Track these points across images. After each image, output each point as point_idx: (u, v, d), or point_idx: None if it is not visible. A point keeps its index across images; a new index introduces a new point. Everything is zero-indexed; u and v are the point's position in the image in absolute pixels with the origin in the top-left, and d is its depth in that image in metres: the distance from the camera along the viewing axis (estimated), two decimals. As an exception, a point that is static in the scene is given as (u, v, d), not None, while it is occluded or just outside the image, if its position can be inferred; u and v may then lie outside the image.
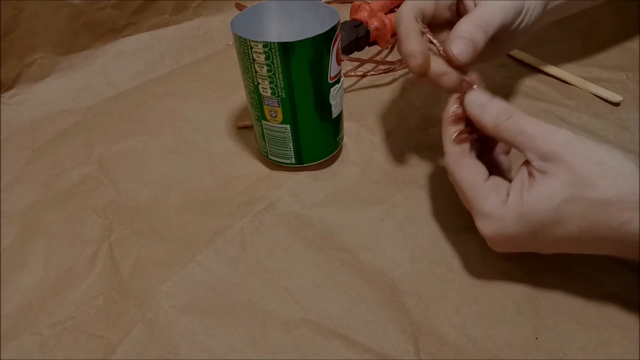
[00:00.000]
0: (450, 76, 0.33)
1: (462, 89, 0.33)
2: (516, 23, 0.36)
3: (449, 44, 0.33)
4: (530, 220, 0.27)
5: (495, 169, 0.33)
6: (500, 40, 0.36)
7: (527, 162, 0.28)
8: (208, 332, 0.30)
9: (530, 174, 0.28)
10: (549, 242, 0.28)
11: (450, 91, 0.34)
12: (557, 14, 0.41)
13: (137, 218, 0.38)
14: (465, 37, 0.32)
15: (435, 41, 0.34)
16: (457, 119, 0.31)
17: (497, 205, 0.28)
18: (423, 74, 0.33)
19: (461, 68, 0.33)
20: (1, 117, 0.50)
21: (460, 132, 0.31)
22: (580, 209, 0.26)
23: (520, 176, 0.29)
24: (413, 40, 0.33)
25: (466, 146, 0.31)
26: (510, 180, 0.30)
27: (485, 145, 0.34)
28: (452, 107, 0.32)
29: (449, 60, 0.33)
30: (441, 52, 0.34)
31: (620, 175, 0.26)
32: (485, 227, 0.29)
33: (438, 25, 0.37)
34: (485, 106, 0.30)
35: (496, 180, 0.30)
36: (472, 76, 0.34)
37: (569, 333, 0.29)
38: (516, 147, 0.29)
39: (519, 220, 0.27)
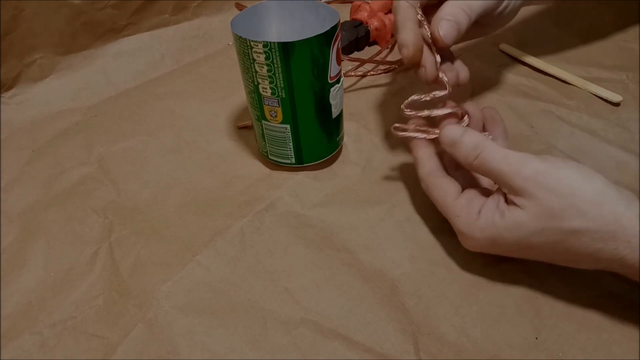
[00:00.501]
0: (429, 70, 0.35)
1: (438, 84, 0.35)
2: (499, 9, 0.37)
3: (435, 26, 0.34)
4: (499, 244, 0.29)
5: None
6: (485, 23, 0.38)
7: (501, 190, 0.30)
8: (208, 332, 0.30)
9: (506, 200, 0.29)
10: (528, 256, 0.30)
11: (426, 83, 0.36)
12: None
13: (137, 218, 0.38)
14: (450, 20, 0.34)
15: (429, 31, 0.35)
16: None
17: (468, 224, 0.30)
18: (414, 64, 0.35)
19: (445, 50, 0.35)
20: (1, 117, 0.50)
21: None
22: (552, 237, 0.27)
23: (497, 198, 0.29)
24: (408, 30, 0.34)
25: (434, 167, 0.33)
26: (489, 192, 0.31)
27: None
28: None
29: (435, 41, 0.34)
30: (429, 38, 0.35)
31: (594, 206, 0.26)
32: (462, 241, 0.31)
33: (431, 6, 0.38)
34: (455, 145, 0.31)
35: (469, 195, 0.31)
36: (454, 71, 0.36)
37: (569, 333, 0.29)
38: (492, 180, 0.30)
39: (487, 241, 0.29)
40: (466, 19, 0.34)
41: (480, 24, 0.37)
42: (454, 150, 0.31)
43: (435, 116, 0.35)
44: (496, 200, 0.29)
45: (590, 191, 0.26)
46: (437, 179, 0.32)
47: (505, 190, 0.29)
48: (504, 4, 0.37)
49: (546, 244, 0.27)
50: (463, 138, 0.30)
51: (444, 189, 0.32)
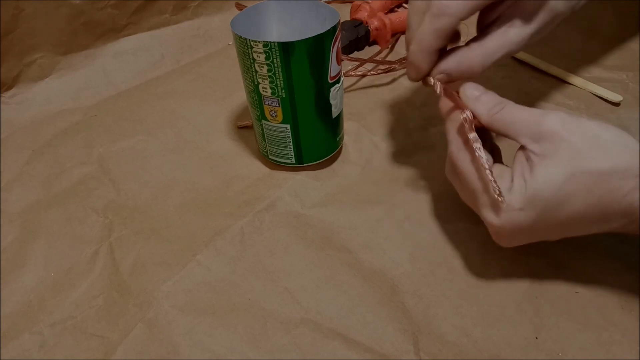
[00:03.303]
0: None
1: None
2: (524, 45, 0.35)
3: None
4: (538, 204, 0.27)
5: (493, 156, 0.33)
6: None
7: (522, 148, 0.28)
8: (208, 332, 0.30)
9: (528, 159, 0.28)
10: (557, 225, 0.28)
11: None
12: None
13: (137, 218, 0.38)
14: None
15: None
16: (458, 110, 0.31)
17: (505, 193, 0.27)
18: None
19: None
20: (1, 117, 0.50)
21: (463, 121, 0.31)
22: (584, 183, 0.26)
23: (519, 162, 0.28)
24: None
25: (471, 134, 0.30)
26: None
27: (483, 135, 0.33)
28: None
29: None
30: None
31: (615, 146, 0.26)
32: (493, 217, 0.28)
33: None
34: (478, 98, 0.30)
35: (499, 167, 0.29)
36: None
37: (569, 333, 0.29)
38: (510, 137, 0.29)
39: (526, 206, 0.27)
40: (483, 68, 0.33)
41: None
42: (477, 102, 0.30)
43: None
44: (520, 164, 0.28)
45: (610, 135, 0.26)
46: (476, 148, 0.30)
47: (526, 140, 0.28)
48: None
49: (579, 192, 0.26)
50: (486, 93, 0.30)
51: (482, 157, 0.30)
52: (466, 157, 0.30)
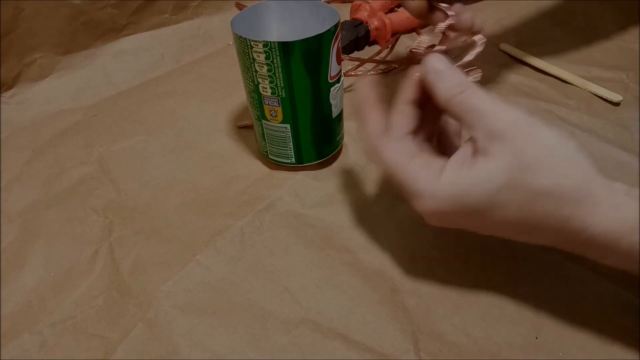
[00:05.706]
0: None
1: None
2: None
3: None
4: (465, 202, 0.26)
5: (444, 134, 0.32)
6: None
7: (472, 139, 0.27)
8: (208, 332, 0.30)
9: (474, 153, 0.26)
10: (487, 225, 0.27)
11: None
12: None
13: (137, 218, 0.38)
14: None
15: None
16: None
17: (429, 183, 0.27)
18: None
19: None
20: (1, 117, 0.50)
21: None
22: (519, 196, 0.25)
23: (463, 153, 0.27)
24: None
25: (384, 127, 0.29)
26: (452, 148, 0.29)
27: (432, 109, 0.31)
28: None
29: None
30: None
31: (566, 166, 0.25)
32: (419, 206, 0.27)
33: None
34: (441, 74, 0.28)
35: (424, 157, 0.28)
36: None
37: (569, 333, 0.29)
38: (465, 124, 0.27)
39: (452, 199, 0.26)
40: None
41: None
42: (437, 79, 0.28)
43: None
44: (463, 154, 0.27)
45: (565, 151, 0.25)
46: (390, 140, 0.29)
47: (478, 134, 0.26)
48: None
49: (513, 203, 0.25)
50: (449, 70, 0.28)
51: (398, 149, 0.28)
52: (382, 151, 0.29)
